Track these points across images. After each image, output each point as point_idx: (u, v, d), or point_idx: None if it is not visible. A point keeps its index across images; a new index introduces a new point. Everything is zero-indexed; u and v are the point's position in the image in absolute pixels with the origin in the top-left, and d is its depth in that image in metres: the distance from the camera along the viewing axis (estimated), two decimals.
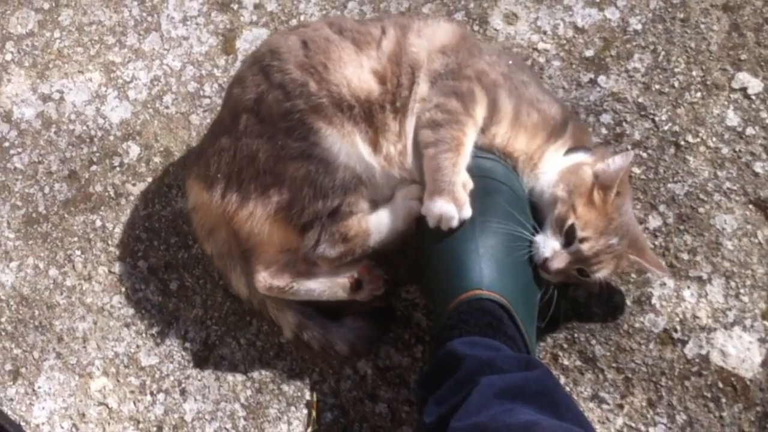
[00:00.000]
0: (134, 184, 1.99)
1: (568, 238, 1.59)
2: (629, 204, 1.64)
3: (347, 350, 1.78)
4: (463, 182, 1.59)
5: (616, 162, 1.60)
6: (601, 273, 1.61)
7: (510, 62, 1.73)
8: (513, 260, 1.60)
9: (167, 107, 2.05)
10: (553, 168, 1.66)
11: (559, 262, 1.59)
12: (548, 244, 1.61)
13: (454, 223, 1.58)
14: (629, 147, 1.82)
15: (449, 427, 1.38)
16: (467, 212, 1.58)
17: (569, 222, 1.59)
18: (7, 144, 2.07)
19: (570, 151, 1.69)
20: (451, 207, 1.57)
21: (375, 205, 1.70)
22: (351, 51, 1.69)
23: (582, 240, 1.58)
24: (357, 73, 1.67)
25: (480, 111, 1.64)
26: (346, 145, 1.65)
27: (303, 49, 1.69)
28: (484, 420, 1.35)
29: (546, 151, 1.67)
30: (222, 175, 1.70)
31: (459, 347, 1.49)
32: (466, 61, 1.69)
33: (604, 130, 1.84)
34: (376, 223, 1.68)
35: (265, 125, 1.67)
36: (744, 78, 1.85)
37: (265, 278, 1.73)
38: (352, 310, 1.81)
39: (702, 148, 1.81)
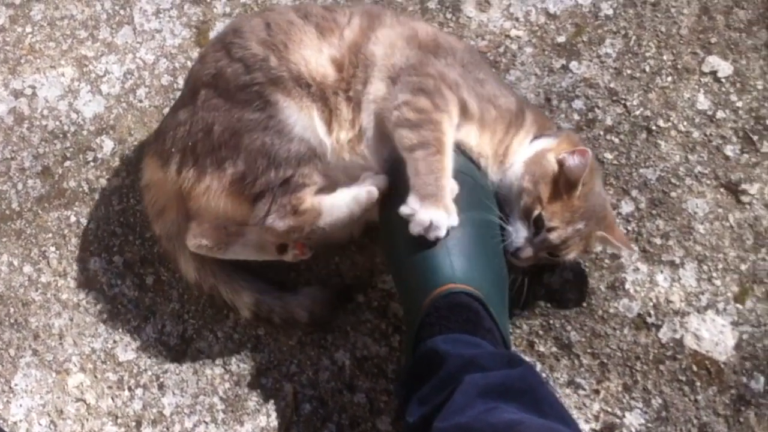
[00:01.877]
0: (108, 179, 1.99)
1: (537, 227, 1.60)
2: (597, 185, 1.65)
3: (307, 317, 1.79)
4: (451, 187, 1.59)
5: (575, 161, 1.59)
6: (571, 255, 1.63)
7: (465, 60, 1.72)
8: (482, 250, 1.60)
9: (141, 101, 2.04)
10: (518, 159, 1.67)
11: (530, 251, 1.62)
12: (519, 234, 1.62)
13: (442, 232, 1.55)
14: (601, 132, 1.82)
15: (432, 427, 1.38)
16: (454, 220, 1.56)
17: (536, 213, 1.60)
18: None
19: (534, 139, 1.69)
20: (442, 214, 1.54)
21: (332, 188, 1.69)
22: (313, 36, 1.70)
23: (550, 229, 1.59)
24: (315, 56, 1.68)
25: (453, 107, 1.63)
26: (304, 118, 1.66)
27: (266, 29, 1.71)
28: (468, 420, 1.35)
29: (510, 145, 1.68)
30: (177, 150, 1.70)
31: (441, 345, 1.49)
32: (426, 59, 1.68)
33: (576, 116, 1.85)
34: (330, 204, 1.66)
35: (222, 98, 1.68)
36: (714, 61, 1.85)
37: (195, 235, 1.74)
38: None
39: (673, 133, 1.82)
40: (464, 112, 1.65)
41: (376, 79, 1.68)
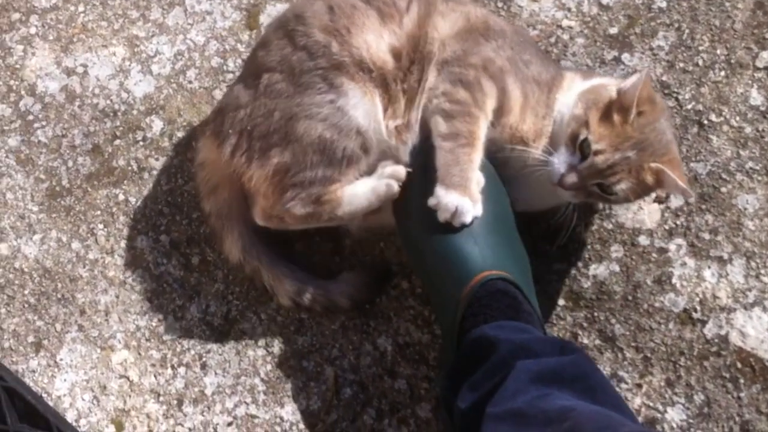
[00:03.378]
0: (157, 159, 2.00)
1: (583, 152, 1.56)
2: (661, 122, 1.58)
3: (348, 303, 1.80)
4: (477, 180, 1.59)
5: (631, 81, 1.56)
6: (621, 185, 1.56)
7: (515, 43, 1.71)
8: (504, 237, 1.61)
9: (190, 82, 2.05)
10: (573, 94, 1.65)
11: (574, 176, 1.57)
12: (562, 160, 1.58)
13: (468, 219, 1.55)
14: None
15: (485, 412, 1.37)
16: (479, 209, 1.57)
17: (582, 136, 1.56)
18: (31, 117, 2.09)
19: (587, 79, 1.68)
20: (467, 201, 1.54)
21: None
22: (375, 20, 1.71)
23: (596, 153, 1.54)
24: (376, 41, 1.69)
25: (490, 104, 1.63)
26: (367, 103, 1.67)
27: (328, 13, 1.71)
28: (521, 405, 1.35)
29: (555, 101, 1.66)
30: (234, 132, 1.72)
31: (490, 332, 1.48)
32: (472, 48, 1.68)
33: None
34: (351, 195, 1.67)
35: (286, 83, 1.69)
36: None
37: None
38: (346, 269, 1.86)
39: (725, 128, 1.80)
40: (504, 102, 1.64)
41: (431, 73, 1.69)
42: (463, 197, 1.55)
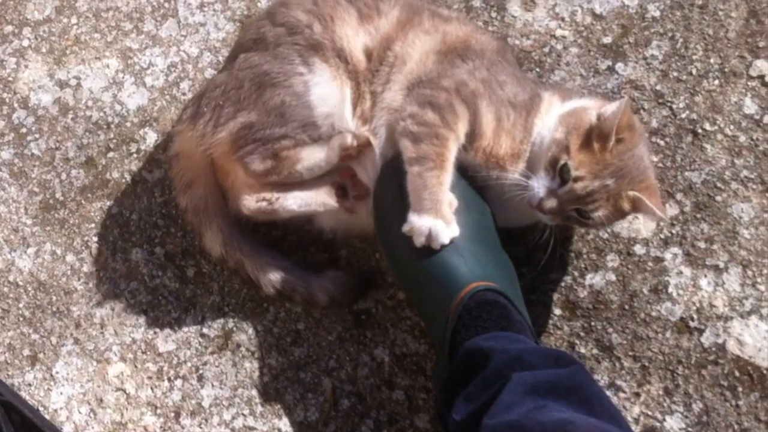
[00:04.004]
0: (151, 171, 2.00)
1: (563, 177, 1.56)
2: (639, 148, 1.58)
3: (326, 300, 1.80)
4: (449, 201, 1.58)
5: (611, 109, 1.56)
6: (599, 212, 1.57)
7: (492, 63, 1.71)
8: (487, 247, 1.61)
9: (184, 94, 2.05)
10: (552, 117, 1.64)
11: (553, 201, 1.57)
12: (541, 185, 1.58)
13: (445, 239, 1.55)
14: (647, 135, 1.81)
15: (482, 424, 1.37)
16: (455, 229, 1.56)
17: (562, 162, 1.55)
18: (24, 130, 2.08)
19: (566, 101, 1.68)
20: (440, 222, 1.54)
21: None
22: (354, 18, 1.74)
23: (576, 179, 1.54)
24: (354, 38, 1.72)
25: (462, 126, 1.62)
26: (334, 88, 1.71)
27: (312, 2, 1.76)
28: (518, 417, 1.34)
29: (533, 127, 1.65)
30: (208, 109, 1.75)
31: (483, 343, 1.48)
32: (446, 71, 1.68)
33: None
34: (309, 151, 1.71)
35: (259, 55, 1.73)
36: (762, 65, 1.84)
37: (249, 197, 1.76)
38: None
39: (719, 136, 1.80)
40: (477, 125, 1.63)
41: (395, 88, 1.70)
42: (436, 220, 1.54)
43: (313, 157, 1.71)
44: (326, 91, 1.70)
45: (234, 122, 1.72)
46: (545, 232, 1.64)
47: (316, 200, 1.75)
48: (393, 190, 1.63)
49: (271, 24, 1.75)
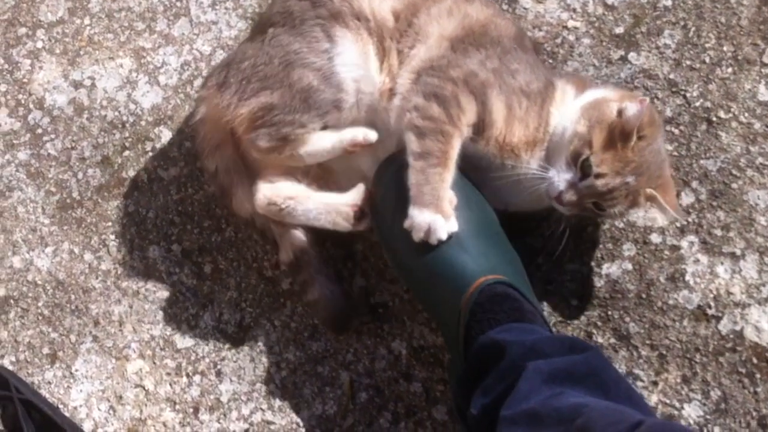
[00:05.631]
0: (166, 169, 2.01)
1: (584, 172, 1.57)
2: (657, 143, 1.59)
3: (314, 298, 1.81)
4: (449, 198, 1.58)
5: (634, 109, 1.56)
6: (617, 208, 1.58)
7: (506, 51, 1.71)
8: (492, 241, 1.61)
9: (198, 92, 2.05)
10: (570, 107, 1.65)
11: (573, 194, 1.57)
12: (562, 177, 1.59)
13: (443, 235, 1.55)
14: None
15: (499, 416, 1.37)
16: (454, 225, 1.57)
17: (584, 156, 1.56)
18: (40, 131, 2.09)
19: (584, 91, 1.68)
20: (439, 218, 1.55)
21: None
22: None
23: (597, 176, 1.55)
24: (380, 1, 1.74)
25: (465, 120, 1.62)
26: (357, 51, 1.72)
27: None
28: (534, 406, 1.34)
29: (550, 114, 1.65)
30: (235, 81, 1.76)
31: (497, 336, 1.48)
32: (456, 59, 1.68)
33: None
34: (316, 137, 1.72)
35: (287, 34, 1.74)
36: None
37: (264, 193, 1.77)
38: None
39: (734, 124, 1.80)
40: (485, 115, 1.63)
41: (406, 78, 1.71)
42: (435, 215, 1.55)
43: (319, 143, 1.71)
44: (349, 55, 1.71)
45: (256, 100, 1.72)
46: (560, 222, 1.65)
47: (327, 218, 1.74)
48: (394, 189, 1.64)
49: None
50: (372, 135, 1.69)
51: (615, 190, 1.56)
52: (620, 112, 1.57)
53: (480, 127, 1.63)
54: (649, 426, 1.23)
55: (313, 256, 1.81)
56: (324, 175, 1.80)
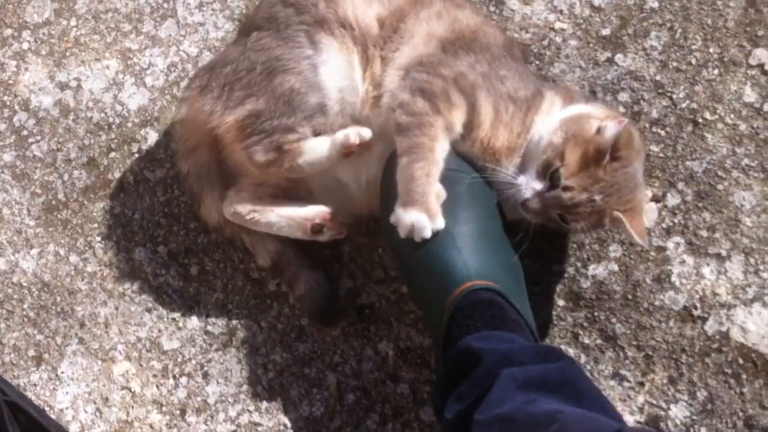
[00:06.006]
0: (153, 170, 2.00)
1: (552, 182, 1.56)
2: (633, 167, 1.58)
3: (302, 293, 1.81)
4: (436, 192, 1.58)
5: (611, 128, 1.55)
6: (580, 224, 1.58)
7: (495, 56, 1.71)
8: (490, 244, 1.60)
9: (182, 93, 2.05)
10: (553, 118, 1.64)
11: (538, 203, 1.57)
12: (530, 185, 1.58)
13: (427, 234, 1.55)
14: (647, 125, 1.82)
15: (473, 420, 1.37)
16: (440, 223, 1.56)
17: (555, 167, 1.56)
18: (25, 132, 2.09)
19: (570, 104, 1.68)
20: (423, 217, 1.54)
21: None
22: None
23: (565, 188, 1.55)
24: (363, 7, 1.74)
25: (458, 115, 1.63)
26: (342, 59, 1.72)
27: None
28: (508, 410, 1.34)
29: (533, 122, 1.65)
30: (217, 85, 1.76)
31: (474, 343, 1.48)
32: (447, 60, 1.68)
33: (622, 109, 1.84)
34: (311, 145, 1.71)
35: (271, 38, 1.74)
36: (761, 54, 1.84)
37: (231, 202, 1.78)
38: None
39: (720, 125, 1.81)
40: (474, 116, 1.63)
41: (396, 64, 1.71)
42: (420, 214, 1.55)
43: (316, 151, 1.70)
44: (334, 64, 1.71)
45: (242, 108, 1.72)
46: (528, 228, 1.65)
47: (288, 230, 1.76)
48: (393, 181, 1.63)
49: (282, 4, 1.76)
50: (365, 132, 1.68)
51: (580, 205, 1.55)
52: (599, 130, 1.57)
53: (468, 127, 1.64)
54: None
55: (292, 254, 1.82)
56: (295, 183, 1.80)
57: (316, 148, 1.70)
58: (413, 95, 1.63)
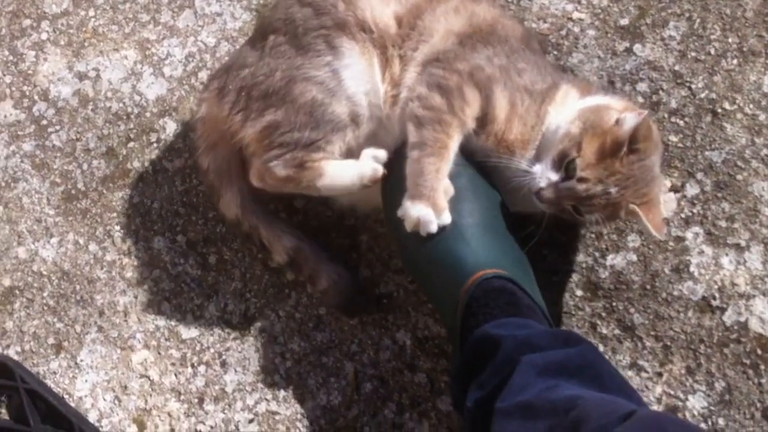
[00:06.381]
0: (171, 160, 2.01)
1: (568, 173, 1.55)
2: (650, 160, 1.57)
3: (324, 287, 1.81)
4: (444, 188, 1.58)
5: (630, 119, 1.54)
6: (594, 216, 1.57)
7: (514, 50, 1.70)
8: (496, 234, 1.60)
9: (203, 83, 2.05)
10: (570, 108, 1.63)
11: (552, 193, 1.56)
12: (545, 175, 1.57)
13: (433, 228, 1.55)
14: (666, 115, 1.81)
15: (494, 408, 1.37)
16: (446, 218, 1.56)
17: (571, 157, 1.55)
18: (45, 122, 2.09)
19: (588, 95, 1.66)
20: (430, 212, 1.54)
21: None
22: None
23: (580, 179, 1.54)
24: (381, 6, 1.73)
25: (470, 112, 1.62)
26: (363, 63, 1.70)
27: None
28: (529, 398, 1.34)
29: (546, 113, 1.64)
30: (234, 89, 1.75)
31: (492, 330, 1.48)
32: (464, 53, 1.68)
33: (640, 99, 1.84)
34: (333, 170, 1.68)
35: (289, 45, 1.72)
36: None
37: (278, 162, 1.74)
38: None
39: (739, 115, 1.80)
40: (489, 109, 1.63)
41: (419, 56, 1.70)
42: (427, 208, 1.54)
43: (337, 178, 1.68)
44: (358, 69, 1.70)
45: (261, 120, 1.71)
46: (542, 220, 1.65)
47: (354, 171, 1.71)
48: (402, 176, 1.63)
49: (299, 4, 1.74)
50: (384, 156, 1.68)
51: (595, 197, 1.54)
52: (618, 121, 1.56)
53: (482, 122, 1.63)
54: (640, 416, 1.24)
55: (309, 250, 1.82)
56: None
57: (338, 175, 1.69)
58: (430, 90, 1.63)
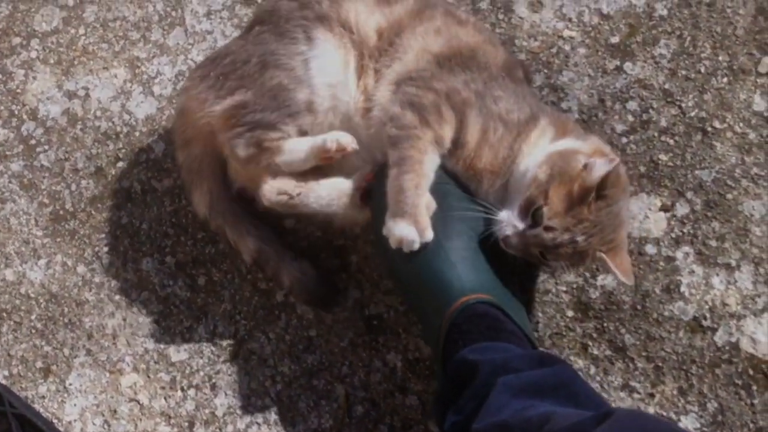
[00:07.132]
0: (160, 180, 2.00)
1: (535, 220, 1.54)
2: (618, 206, 1.56)
3: (287, 285, 1.82)
4: (426, 203, 1.58)
5: (597, 167, 1.52)
6: (561, 262, 1.57)
7: (493, 78, 1.69)
8: (482, 256, 1.60)
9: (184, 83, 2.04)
10: (534, 157, 1.61)
11: (519, 241, 1.56)
12: (511, 222, 1.57)
13: (415, 246, 1.55)
14: (656, 134, 1.81)
15: (471, 430, 1.38)
16: (429, 235, 1.56)
17: (538, 205, 1.53)
18: (33, 142, 2.09)
19: (559, 139, 1.64)
20: (412, 230, 1.54)
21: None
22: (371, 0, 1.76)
23: (547, 228, 1.53)
24: (365, 15, 1.74)
25: (448, 130, 1.62)
26: (336, 58, 1.72)
27: None
28: (504, 418, 1.35)
29: (520, 149, 1.63)
30: (214, 74, 1.77)
31: (470, 355, 1.48)
32: (441, 74, 1.68)
33: (630, 118, 1.83)
34: (291, 146, 1.71)
35: (270, 33, 1.75)
36: None
37: (272, 186, 1.75)
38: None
39: (729, 134, 1.80)
40: (461, 134, 1.63)
41: (387, 79, 1.71)
42: (410, 226, 1.54)
43: (294, 153, 1.70)
44: (327, 60, 1.71)
45: (231, 98, 1.73)
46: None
47: (338, 203, 1.73)
48: (384, 192, 1.62)
49: None
50: (345, 139, 1.67)
51: (562, 245, 1.54)
52: (586, 166, 1.54)
53: (454, 144, 1.63)
54: (618, 416, 1.25)
55: (272, 251, 1.82)
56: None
57: (294, 150, 1.71)
58: (403, 108, 1.63)
